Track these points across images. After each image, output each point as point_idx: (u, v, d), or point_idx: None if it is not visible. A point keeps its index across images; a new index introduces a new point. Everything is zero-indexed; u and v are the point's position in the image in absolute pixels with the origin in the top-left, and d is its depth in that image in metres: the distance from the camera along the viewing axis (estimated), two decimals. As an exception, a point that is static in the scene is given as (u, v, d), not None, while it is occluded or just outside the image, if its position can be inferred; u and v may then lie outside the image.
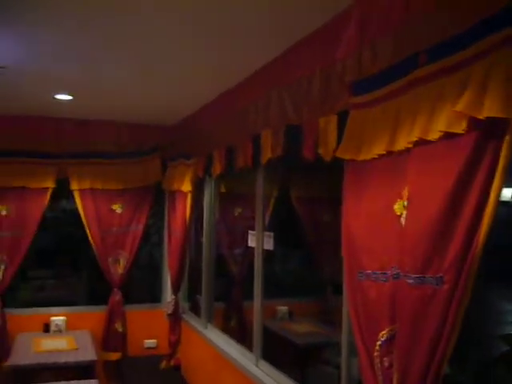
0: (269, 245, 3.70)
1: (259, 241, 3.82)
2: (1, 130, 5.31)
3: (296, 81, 2.96)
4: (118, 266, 5.77)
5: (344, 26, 2.46)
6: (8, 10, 2.66)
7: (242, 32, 2.91)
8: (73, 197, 5.69)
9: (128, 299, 5.87)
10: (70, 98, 4.57)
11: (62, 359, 4.71)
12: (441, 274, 1.74)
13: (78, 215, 5.70)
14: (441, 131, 1.76)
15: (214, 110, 4.48)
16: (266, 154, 3.31)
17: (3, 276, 5.44)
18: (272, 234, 3.70)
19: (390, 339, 2.01)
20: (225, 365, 4.32)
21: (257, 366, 3.83)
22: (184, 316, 5.58)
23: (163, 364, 5.45)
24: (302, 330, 5.51)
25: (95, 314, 5.83)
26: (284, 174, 5.53)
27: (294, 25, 2.77)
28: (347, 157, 2.36)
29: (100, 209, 5.71)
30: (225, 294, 5.83)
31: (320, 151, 2.64)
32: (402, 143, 1.98)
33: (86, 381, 4.26)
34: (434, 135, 1.79)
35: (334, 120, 2.55)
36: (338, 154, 2.41)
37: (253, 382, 3.75)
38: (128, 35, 3.01)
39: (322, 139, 2.62)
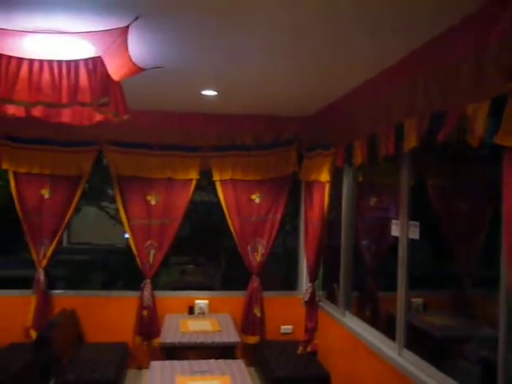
0: (414, 234, 3.69)
1: (404, 230, 3.82)
2: (152, 125, 5.75)
3: (444, 67, 2.93)
4: (257, 254, 6.02)
5: (500, 9, 2.40)
6: (164, 17, 2.94)
7: (389, 19, 2.92)
8: (209, 188, 6.01)
9: (264, 286, 6.10)
10: (215, 93, 4.84)
11: (209, 340, 5.02)
12: None
13: (213, 206, 6.01)
14: None
15: (354, 100, 4.51)
16: (410, 142, 3.30)
17: (153, 260, 5.91)
18: (417, 223, 3.69)
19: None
20: (365, 352, 4.37)
21: (400, 354, 3.84)
22: (321, 304, 5.69)
23: (300, 349, 5.59)
24: (439, 322, 5.39)
25: (235, 299, 6.13)
26: (422, 162, 5.43)
27: (446, 10, 2.74)
28: (508, 143, 2.31)
29: (240, 199, 5.99)
30: (358, 284, 5.85)
31: (467, 138, 2.61)
32: None
33: (233, 360, 4.52)
34: None
35: (485, 106, 2.51)
36: (499, 141, 2.37)
37: (396, 369, 3.77)
38: (274, 30, 3.15)
39: (471, 125, 2.58)
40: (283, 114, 5.85)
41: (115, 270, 8.74)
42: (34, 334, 5.67)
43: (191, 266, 8.80)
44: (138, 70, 3.50)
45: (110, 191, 7.95)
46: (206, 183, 6.35)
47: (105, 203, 8.50)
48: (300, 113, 5.77)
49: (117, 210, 7.91)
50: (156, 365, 4.25)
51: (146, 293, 5.87)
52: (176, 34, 3.27)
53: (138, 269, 5.97)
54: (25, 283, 6.09)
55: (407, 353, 3.77)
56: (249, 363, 5.60)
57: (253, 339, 5.98)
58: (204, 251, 9.00)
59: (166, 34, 3.28)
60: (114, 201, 8.02)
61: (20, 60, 3.04)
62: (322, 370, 5.19)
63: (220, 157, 5.93)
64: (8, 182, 5.89)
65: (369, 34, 3.16)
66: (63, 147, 5.75)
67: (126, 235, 6.14)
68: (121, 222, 6.10)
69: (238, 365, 4.29)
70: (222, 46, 3.50)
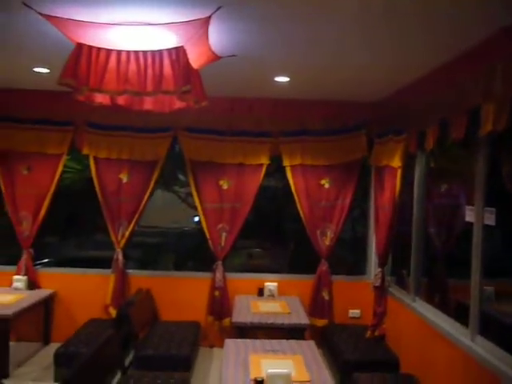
0: (490, 220, 3.66)
1: (479, 216, 3.79)
2: (223, 111, 5.90)
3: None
4: (326, 238, 6.09)
5: None
6: (245, 7, 3.05)
7: (466, 3, 2.90)
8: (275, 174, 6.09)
9: (332, 269, 6.17)
10: (287, 79, 4.92)
11: (279, 321, 5.15)
12: None
13: (278, 191, 6.10)
14: None
15: (427, 84, 4.48)
16: (487, 128, 3.28)
17: (225, 243, 6.10)
18: (494, 209, 3.65)
19: None
20: (436, 338, 4.38)
21: (473, 341, 3.83)
22: (390, 289, 5.70)
23: (368, 333, 5.63)
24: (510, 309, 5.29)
25: (303, 282, 6.23)
26: (496, 148, 5.31)
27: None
28: None
29: (309, 184, 6.07)
30: (427, 270, 5.81)
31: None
32: None
33: (304, 341, 4.63)
34: None
35: None
36: None
37: (469, 355, 3.77)
38: (348, 19, 3.20)
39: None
40: (352, 99, 5.85)
41: (185, 252, 9.02)
42: (112, 311, 5.99)
43: (258, 250, 8.95)
44: (215, 58, 3.64)
45: (180, 176, 8.19)
46: (272, 169, 6.44)
47: (176, 188, 8.76)
48: (369, 98, 5.76)
49: (187, 194, 8.19)
50: (230, 342, 4.41)
51: (218, 274, 6.07)
52: (255, 22, 3.37)
53: (207, 251, 6.17)
54: (99, 263, 6.44)
55: (481, 339, 3.76)
56: (317, 346, 5.71)
57: (321, 322, 6.07)
58: (271, 235, 9.13)
59: (246, 24, 3.38)
60: (184, 185, 8.28)
61: (109, 51, 3.22)
62: (390, 355, 5.23)
63: (290, 142, 6.01)
64: (86, 166, 6.20)
65: (445, 19, 3.14)
66: (140, 133, 6.00)
67: (196, 218, 6.34)
68: (191, 206, 6.31)
69: (310, 345, 4.39)
70: (298, 34, 3.57)
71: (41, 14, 3.12)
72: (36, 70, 4.94)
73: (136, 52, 3.24)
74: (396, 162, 5.03)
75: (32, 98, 5.99)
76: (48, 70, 4.95)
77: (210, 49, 3.46)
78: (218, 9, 3.01)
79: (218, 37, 3.54)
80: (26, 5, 3.09)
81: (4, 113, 6.05)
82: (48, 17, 3.13)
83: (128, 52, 3.23)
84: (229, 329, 5.96)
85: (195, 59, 3.42)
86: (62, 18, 3.13)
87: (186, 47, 3.26)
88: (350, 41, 3.70)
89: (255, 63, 4.38)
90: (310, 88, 5.36)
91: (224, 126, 5.99)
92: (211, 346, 6.17)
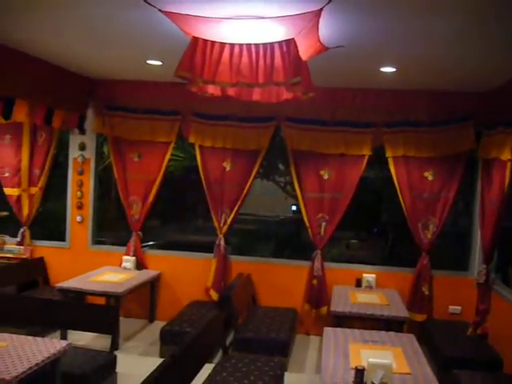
0: None
1: None
2: (326, 101, 5.91)
3: None
4: (427, 231, 5.97)
5: None
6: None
7: None
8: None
9: (433, 264, 6.04)
10: (393, 70, 4.86)
11: (378, 312, 5.14)
12: None
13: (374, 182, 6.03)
14: None
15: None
16: None
17: (324, 233, 6.14)
18: None
19: None
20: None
21: None
22: (495, 287, 5.51)
23: (470, 331, 5.48)
24: None
25: (402, 275, 6.16)
26: None
27: None
28: None
29: (412, 175, 5.97)
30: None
31: None
32: None
33: (404, 334, 4.60)
34: None
35: None
36: None
37: None
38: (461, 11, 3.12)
39: None
40: (458, 89, 5.66)
41: (282, 239, 9.16)
42: (213, 294, 6.24)
43: (355, 241, 8.91)
44: (323, 49, 3.67)
45: (280, 165, 8.31)
46: (372, 159, 6.38)
47: (276, 177, 8.91)
48: (477, 88, 5.54)
49: (286, 183, 8.30)
50: (329, 331, 4.47)
51: (317, 263, 6.14)
52: (366, 14, 3.38)
53: (303, 239, 6.23)
54: (200, 248, 6.70)
55: None
56: (415, 340, 5.64)
57: (420, 317, 5.97)
58: (368, 226, 9.06)
59: (357, 15, 3.40)
60: (283, 175, 8.40)
61: (222, 45, 3.36)
62: (493, 354, 5.06)
63: (392, 133, 5.94)
64: (189, 154, 6.43)
65: None
66: (244, 123, 6.16)
67: (293, 207, 6.42)
68: (291, 195, 6.39)
69: (410, 338, 4.35)
70: (411, 25, 3.53)
71: (161, 10, 3.31)
72: (149, 62, 5.21)
73: (248, 45, 3.35)
74: (506, 155, 4.84)
75: (144, 88, 6.34)
76: (160, 63, 5.21)
77: (318, 40, 3.50)
78: (329, 1, 3.05)
79: (326, 28, 3.58)
80: (147, 2, 3.29)
81: (118, 103, 6.45)
82: (167, 13, 3.31)
83: (240, 45, 3.35)
84: (325, 317, 6.02)
85: (304, 51, 3.48)
86: (180, 13, 3.30)
87: (297, 39, 3.33)
88: (466, 31, 3.61)
89: (362, 54, 4.38)
90: (416, 78, 5.26)
91: (326, 116, 6.01)
92: (307, 333, 6.27)
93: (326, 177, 6.13)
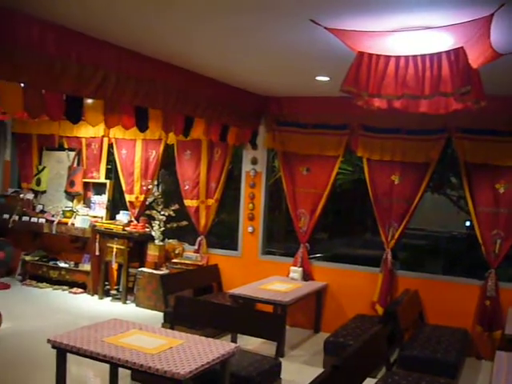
0: None
1: None
2: (500, 110, 5.54)
3: None
4: None
5: None
6: None
7: None
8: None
9: None
10: None
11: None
12: None
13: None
14: None
15: None
16: None
17: (499, 250, 5.76)
18: None
19: None
20: None
21: None
22: None
23: None
24: None
25: None
26: None
27: None
28: None
29: None
30: None
31: None
32: None
33: None
34: None
35: None
36: None
37: None
38: None
39: None
40: None
41: (454, 256, 8.74)
42: (379, 309, 6.17)
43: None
44: (496, 56, 3.50)
45: (452, 178, 7.97)
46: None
47: (447, 191, 8.55)
48: None
49: (458, 197, 7.92)
50: (502, 355, 4.16)
51: (490, 283, 5.76)
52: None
53: (477, 257, 5.88)
54: (366, 262, 6.66)
55: None
56: None
57: None
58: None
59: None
60: (455, 188, 8.03)
61: (387, 58, 3.38)
62: None
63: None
64: (356, 168, 6.45)
65: None
66: (413, 135, 6.04)
67: (467, 223, 6.11)
68: (464, 210, 6.10)
69: None
70: None
71: (326, 28, 3.42)
72: (318, 78, 5.37)
73: (414, 56, 3.32)
74: None
75: (312, 103, 6.53)
76: (328, 78, 5.34)
77: (490, 47, 3.35)
78: (501, 5, 2.91)
79: (499, 33, 3.40)
80: (313, 21, 3.43)
81: (288, 118, 6.73)
82: (333, 30, 3.42)
83: (406, 57, 3.33)
84: (500, 341, 5.61)
85: (474, 59, 3.35)
86: (345, 30, 3.38)
87: (465, 47, 3.22)
88: None
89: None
90: None
91: (502, 126, 5.64)
92: (478, 358, 5.88)
93: (501, 190, 5.74)
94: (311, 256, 6.97)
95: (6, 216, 8.25)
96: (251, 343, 5.72)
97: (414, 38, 3.34)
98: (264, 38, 4.11)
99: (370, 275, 6.37)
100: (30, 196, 8.45)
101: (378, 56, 3.41)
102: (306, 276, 6.65)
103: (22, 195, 8.42)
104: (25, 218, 8.15)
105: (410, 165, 6.12)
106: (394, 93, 3.34)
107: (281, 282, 6.41)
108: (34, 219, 8.10)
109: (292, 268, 6.69)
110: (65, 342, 3.79)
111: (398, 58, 3.35)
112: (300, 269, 6.64)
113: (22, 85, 4.03)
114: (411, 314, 5.78)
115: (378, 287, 6.24)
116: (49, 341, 3.83)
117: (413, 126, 5.97)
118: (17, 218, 8.17)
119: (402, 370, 4.87)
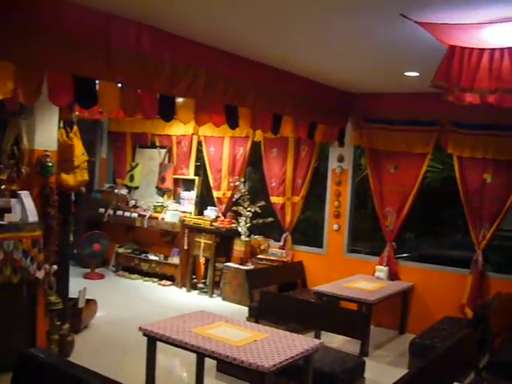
0: None
1: None
2: None
3: None
4: None
5: None
6: None
7: None
8: None
9: None
10: None
11: None
12: None
13: None
14: None
15: None
16: None
17: None
18: None
19: None
20: None
21: None
22: None
23: None
24: None
25: None
26: None
27: None
28: None
29: None
30: None
31: None
32: None
33: None
34: None
35: None
36: None
37: None
38: None
39: None
40: None
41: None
42: (468, 311, 5.96)
43: None
44: None
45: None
46: None
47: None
48: None
49: None
50: None
51: None
52: None
53: None
54: (455, 264, 6.44)
55: None
56: None
57: None
58: None
59: None
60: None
61: (481, 51, 3.27)
62: None
63: None
64: (446, 165, 6.24)
65: None
66: (507, 132, 5.77)
67: None
68: None
69: None
70: None
71: (416, 22, 3.36)
72: (407, 74, 5.26)
73: (510, 48, 3.19)
74: None
75: (400, 100, 6.42)
76: (417, 74, 5.22)
77: None
78: None
79: None
80: (403, 15, 3.38)
81: (375, 115, 6.64)
82: (423, 24, 3.34)
83: (502, 49, 3.21)
84: None
85: None
86: (436, 23, 3.31)
87: None
88: None
89: None
90: None
91: None
92: None
93: None
94: (398, 255, 6.84)
95: (101, 210, 8.72)
96: (335, 341, 5.70)
97: (510, 29, 3.21)
98: (353, 35, 4.10)
99: (459, 277, 6.16)
100: (124, 191, 8.88)
101: (471, 49, 3.30)
102: (392, 275, 6.53)
103: (116, 191, 8.88)
104: (119, 213, 8.58)
105: (504, 162, 5.85)
106: (488, 87, 3.23)
107: (366, 281, 6.34)
108: (127, 213, 8.51)
109: (378, 267, 6.59)
110: (155, 330, 3.97)
111: (492, 50, 3.23)
112: (386, 268, 6.53)
113: (119, 85, 4.24)
114: (503, 317, 5.53)
115: (467, 289, 6.02)
116: (140, 329, 4.03)
117: (507, 122, 5.70)
118: (111, 212, 8.62)
119: (491, 376, 4.68)
